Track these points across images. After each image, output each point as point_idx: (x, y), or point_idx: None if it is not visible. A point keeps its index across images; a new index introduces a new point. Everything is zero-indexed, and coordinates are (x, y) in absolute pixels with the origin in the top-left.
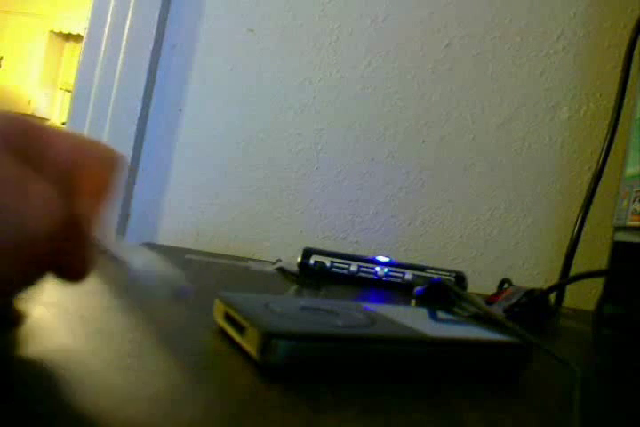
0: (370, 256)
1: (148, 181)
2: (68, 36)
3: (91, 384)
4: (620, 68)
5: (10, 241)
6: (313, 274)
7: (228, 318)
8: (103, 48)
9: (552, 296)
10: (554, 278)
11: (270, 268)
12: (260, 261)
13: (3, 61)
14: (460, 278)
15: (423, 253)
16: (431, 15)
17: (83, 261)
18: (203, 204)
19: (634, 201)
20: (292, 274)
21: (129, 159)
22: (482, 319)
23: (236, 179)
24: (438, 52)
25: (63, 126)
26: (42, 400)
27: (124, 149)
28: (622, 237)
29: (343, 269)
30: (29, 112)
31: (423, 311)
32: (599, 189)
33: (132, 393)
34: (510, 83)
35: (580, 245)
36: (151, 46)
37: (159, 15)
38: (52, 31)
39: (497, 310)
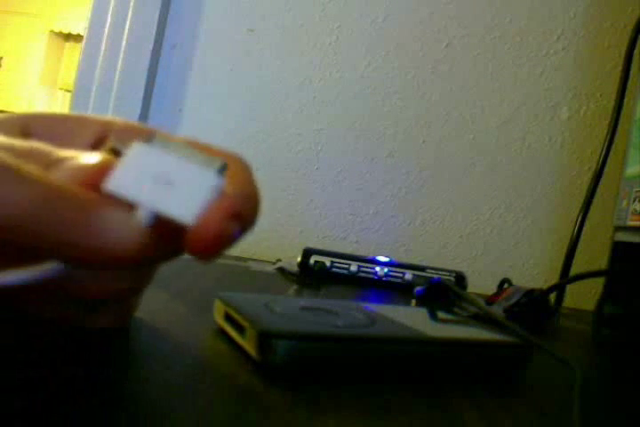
0: (370, 256)
1: None
2: (68, 36)
3: (89, 384)
4: (620, 68)
5: None
6: (313, 274)
7: (228, 318)
8: (103, 48)
9: (552, 296)
10: (554, 278)
11: (270, 268)
12: (260, 261)
13: (3, 61)
14: (460, 278)
15: (423, 253)
16: (431, 15)
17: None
18: None
19: (634, 201)
20: (292, 274)
21: None
22: (482, 319)
23: None
24: (438, 52)
25: None
26: (39, 400)
27: None
28: (622, 237)
29: (343, 269)
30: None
31: (423, 311)
32: (599, 189)
33: (132, 393)
34: (510, 83)
35: (580, 245)
36: (151, 46)
37: (159, 15)
38: (52, 31)
39: (497, 310)
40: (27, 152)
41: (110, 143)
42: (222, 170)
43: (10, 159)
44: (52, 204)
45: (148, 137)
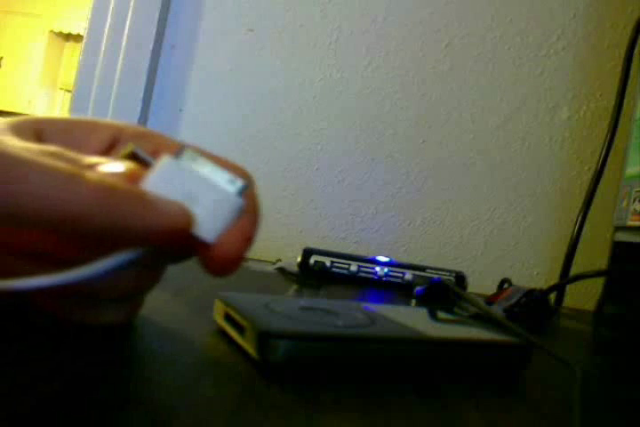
0: (370, 256)
1: None
2: (68, 36)
3: (89, 384)
4: (620, 68)
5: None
6: (313, 274)
7: (228, 318)
8: (103, 48)
9: (552, 296)
10: (554, 278)
11: (270, 268)
12: (260, 261)
13: (3, 61)
14: (460, 278)
15: (423, 253)
16: (431, 15)
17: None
18: None
19: (634, 201)
20: (292, 274)
21: None
22: (482, 319)
23: None
24: (438, 52)
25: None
26: (40, 399)
27: None
28: (622, 237)
29: (343, 269)
30: (29, 112)
31: (423, 311)
32: (599, 189)
33: (132, 393)
34: (510, 83)
35: (580, 245)
36: (151, 46)
37: (159, 15)
38: (52, 31)
39: (497, 310)
40: (57, 158)
41: (130, 148)
42: (244, 190)
43: (69, 166)
44: (110, 198)
45: (177, 151)
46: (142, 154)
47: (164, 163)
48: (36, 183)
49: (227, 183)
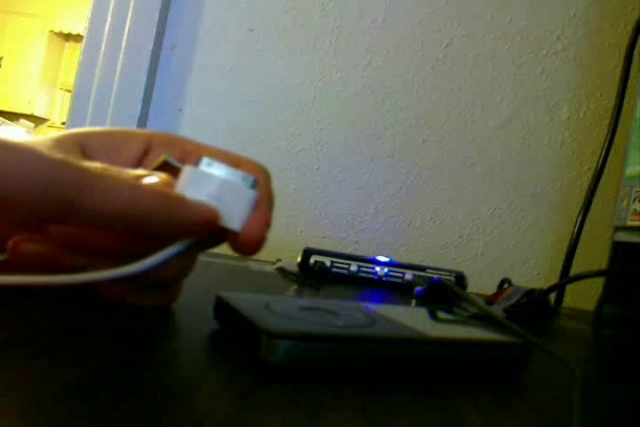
0: (370, 256)
1: None
2: (68, 36)
3: (87, 384)
4: (620, 68)
5: None
6: (313, 274)
7: (228, 317)
8: (103, 48)
9: (552, 296)
10: (554, 278)
11: (270, 268)
12: (260, 261)
13: (3, 61)
14: (460, 278)
15: (423, 253)
16: (431, 15)
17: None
18: None
19: (634, 201)
20: (292, 274)
21: None
22: (482, 319)
23: None
24: (438, 52)
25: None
26: (39, 400)
27: None
28: (622, 237)
29: (343, 269)
30: (29, 112)
31: (423, 311)
32: (599, 189)
33: (131, 393)
34: (510, 83)
35: (580, 245)
36: (151, 46)
37: (159, 15)
38: (51, 31)
39: (497, 310)
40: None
41: (163, 157)
42: (255, 184)
43: (131, 178)
44: (160, 199)
45: (195, 160)
46: (173, 162)
47: (187, 172)
48: (109, 190)
49: (240, 180)
